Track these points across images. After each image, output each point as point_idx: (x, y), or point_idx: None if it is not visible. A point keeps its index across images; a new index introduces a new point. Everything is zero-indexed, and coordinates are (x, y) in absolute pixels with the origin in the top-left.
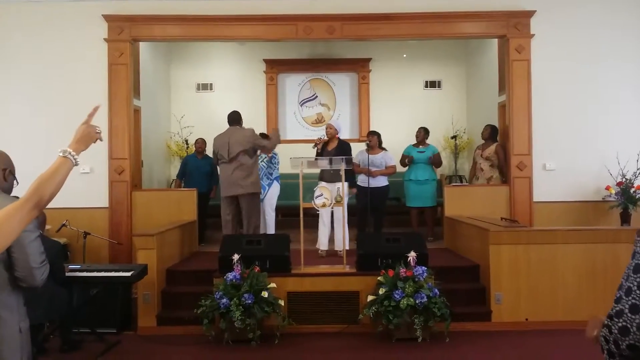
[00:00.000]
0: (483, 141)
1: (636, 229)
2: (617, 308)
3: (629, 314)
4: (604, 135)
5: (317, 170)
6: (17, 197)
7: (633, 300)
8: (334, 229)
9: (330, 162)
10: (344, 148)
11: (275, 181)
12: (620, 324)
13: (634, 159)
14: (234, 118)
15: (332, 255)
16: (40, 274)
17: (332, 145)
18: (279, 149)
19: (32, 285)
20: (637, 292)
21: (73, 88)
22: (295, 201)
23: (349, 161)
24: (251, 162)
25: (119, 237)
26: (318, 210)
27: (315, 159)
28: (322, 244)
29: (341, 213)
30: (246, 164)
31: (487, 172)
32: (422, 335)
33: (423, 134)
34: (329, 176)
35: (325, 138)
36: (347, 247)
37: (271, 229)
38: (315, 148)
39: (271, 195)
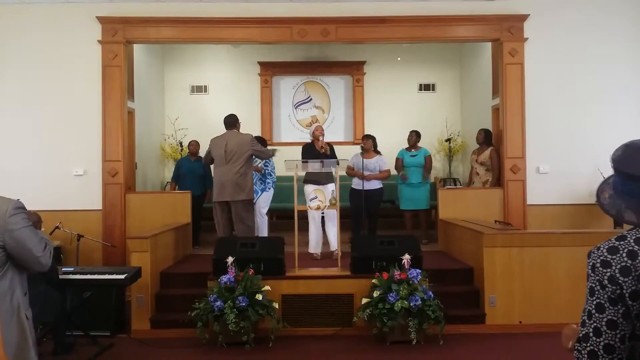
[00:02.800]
0: (478, 145)
1: (588, 251)
2: (583, 332)
3: (594, 338)
4: (598, 138)
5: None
6: (10, 199)
7: (595, 324)
8: (324, 231)
9: (322, 165)
10: (332, 150)
11: (268, 186)
12: (588, 349)
13: None
14: (231, 121)
15: (326, 258)
16: (47, 259)
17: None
18: None
19: (42, 270)
20: (597, 315)
21: (67, 90)
22: (289, 203)
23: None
24: (247, 168)
25: (113, 239)
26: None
27: (305, 162)
28: (316, 246)
29: (332, 214)
30: (242, 169)
31: (482, 176)
32: (416, 337)
33: (415, 137)
34: (321, 178)
35: (323, 140)
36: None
37: (263, 233)
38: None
39: (263, 199)
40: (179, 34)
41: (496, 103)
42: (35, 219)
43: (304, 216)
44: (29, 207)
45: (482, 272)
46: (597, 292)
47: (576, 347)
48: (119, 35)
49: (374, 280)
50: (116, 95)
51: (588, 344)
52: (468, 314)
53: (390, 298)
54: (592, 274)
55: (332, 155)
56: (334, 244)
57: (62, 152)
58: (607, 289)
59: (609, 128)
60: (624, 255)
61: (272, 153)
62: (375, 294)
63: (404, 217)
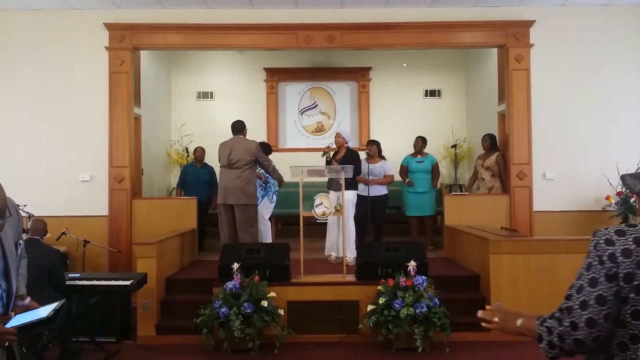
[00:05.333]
0: (484, 151)
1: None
2: (567, 305)
3: (578, 310)
4: (604, 144)
5: (316, 179)
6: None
7: (584, 297)
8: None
9: (339, 171)
10: (351, 157)
11: (267, 194)
12: (570, 320)
13: (634, 168)
14: (237, 127)
15: (338, 264)
16: None
17: (341, 154)
18: (280, 158)
19: None
20: (588, 289)
21: (74, 96)
22: (294, 210)
23: (354, 170)
24: (250, 173)
25: (119, 245)
26: (319, 219)
27: (325, 168)
28: (331, 248)
29: (347, 222)
30: (245, 174)
31: (488, 181)
32: (422, 345)
33: (421, 143)
34: (333, 185)
35: (334, 147)
36: (354, 255)
37: (267, 239)
38: (325, 157)
39: (264, 206)
40: (186, 40)
41: (502, 109)
42: (42, 227)
43: (309, 222)
44: (35, 213)
45: (488, 279)
46: (593, 268)
47: (555, 316)
48: (126, 41)
49: (379, 287)
50: (123, 102)
51: (571, 316)
52: (474, 321)
53: (395, 305)
54: (593, 251)
55: (349, 163)
56: (348, 252)
57: (68, 158)
58: (605, 264)
59: (615, 134)
60: (630, 239)
61: (280, 180)
62: (381, 300)
63: (409, 224)
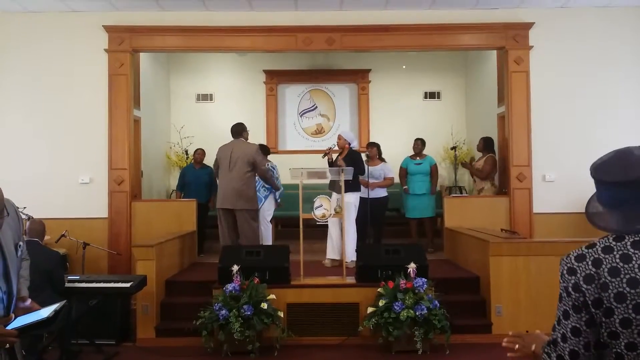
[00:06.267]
0: (480, 153)
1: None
2: (553, 337)
3: (561, 343)
4: (603, 146)
5: (316, 181)
6: None
7: (562, 330)
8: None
9: (339, 173)
10: (353, 158)
11: (272, 194)
12: (557, 353)
13: None
14: (237, 130)
15: (337, 267)
16: None
17: (343, 156)
18: (279, 160)
19: None
20: (564, 321)
21: (73, 98)
22: (295, 212)
23: (357, 172)
24: (251, 177)
25: (118, 247)
26: (318, 221)
27: (325, 170)
28: (332, 252)
29: (347, 224)
30: (245, 178)
31: (478, 183)
32: (422, 347)
33: (420, 145)
34: (335, 187)
35: (336, 148)
36: (353, 258)
37: (267, 241)
38: (325, 157)
39: (267, 207)
40: (185, 42)
41: (502, 111)
42: (40, 229)
43: (309, 224)
44: (35, 215)
45: (488, 281)
46: (563, 299)
47: (545, 351)
48: (126, 44)
49: (379, 289)
50: (122, 104)
51: (557, 349)
52: (474, 323)
53: (396, 307)
54: (560, 281)
55: (350, 164)
56: (348, 254)
57: (68, 160)
58: (571, 296)
59: (615, 135)
60: (589, 263)
61: (277, 188)
62: (381, 303)
63: (409, 226)
